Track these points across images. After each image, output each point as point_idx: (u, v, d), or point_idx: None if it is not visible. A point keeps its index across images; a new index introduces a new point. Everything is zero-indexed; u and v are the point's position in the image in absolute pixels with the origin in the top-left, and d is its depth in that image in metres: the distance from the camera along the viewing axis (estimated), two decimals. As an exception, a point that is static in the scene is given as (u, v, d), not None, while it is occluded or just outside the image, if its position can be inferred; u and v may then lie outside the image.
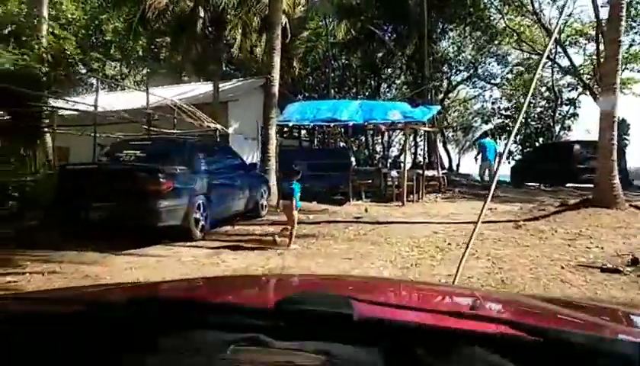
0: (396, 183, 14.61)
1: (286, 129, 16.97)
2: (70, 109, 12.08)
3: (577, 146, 18.34)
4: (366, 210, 10.65)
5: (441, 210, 12.12)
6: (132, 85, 25.44)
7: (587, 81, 22.58)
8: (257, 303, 1.07)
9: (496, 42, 25.06)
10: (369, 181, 14.28)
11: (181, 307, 0.91)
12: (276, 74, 11.98)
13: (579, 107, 28.01)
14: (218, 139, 14.81)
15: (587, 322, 1.18)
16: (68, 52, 27.77)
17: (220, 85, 19.65)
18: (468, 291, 2.25)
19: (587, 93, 22.56)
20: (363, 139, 27.70)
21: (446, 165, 26.65)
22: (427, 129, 14.47)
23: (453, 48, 26.86)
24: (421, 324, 0.79)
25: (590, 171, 12.92)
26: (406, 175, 12.93)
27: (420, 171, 14.39)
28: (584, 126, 29.46)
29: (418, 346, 0.72)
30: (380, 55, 24.36)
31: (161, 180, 7.08)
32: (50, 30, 26.79)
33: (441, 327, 0.77)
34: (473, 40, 26.60)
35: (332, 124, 13.59)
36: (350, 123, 13.24)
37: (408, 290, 1.67)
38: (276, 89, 12.03)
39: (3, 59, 11.58)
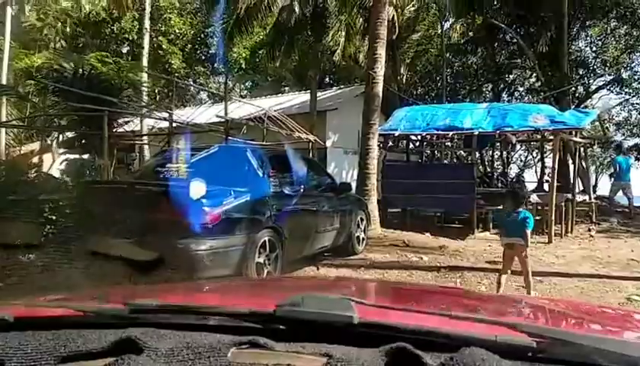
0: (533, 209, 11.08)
1: (391, 141, 14.08)
2: (124, 112, 10.22)
3: None
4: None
5: (609, 251, 8.44)
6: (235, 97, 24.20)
7: None
8: (259, 306, 0.88)
9: (651, 37, 20.06)
10: (500, 207, 10.87)
11: (182, 310, 0.89)
12: (379, 69, 9.21)
13: None
14: (311, 152, 12.38)
15: (588, 323, 1.16)
16: (175, 66, 27.44)
17: (318, 94, 17.37)
18: (469, 293, 2.07)
19: None
20: (477, 154, 23.83)
21: (580, 186, 21.82)
22: (579, 140, 10.78)
23: (592, 47, 22.15)
24: (422, 326, 0.76)
25: None
26: (554, 201, 9.41)
27: (570, 196, 10.70)
28: None
29: (419, 348, 0.68)
30: (502, 57, 20.57)
31: (204, 208, 4.61)
32: (158, 44, 26.60)
33: (442, 329, 0.75)
34: (616, 38, 21.71)
35: (451, 134, 10.47)
36: (476, 132, 10.03)
37: (409, 293, 1.61)
38: (379, 89, 9.25)
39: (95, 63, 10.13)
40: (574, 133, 10.15)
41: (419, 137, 12.22)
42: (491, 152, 23.26)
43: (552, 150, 9.70)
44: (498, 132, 9.98)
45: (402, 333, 0.73)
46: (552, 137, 12.58)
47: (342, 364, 0.67)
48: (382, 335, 0.73)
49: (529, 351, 0.70)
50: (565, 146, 12.89)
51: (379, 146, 11.56)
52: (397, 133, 10.93)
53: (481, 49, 20.33)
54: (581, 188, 16.60)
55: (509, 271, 5.25)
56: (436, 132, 10.58)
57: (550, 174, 20.11)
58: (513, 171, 28.03)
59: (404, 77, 21.87)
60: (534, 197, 10.43)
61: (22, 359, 0.74)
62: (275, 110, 17.03)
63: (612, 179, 13.06)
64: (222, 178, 4.98)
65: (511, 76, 22.82)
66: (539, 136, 14.17)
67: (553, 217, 9.40)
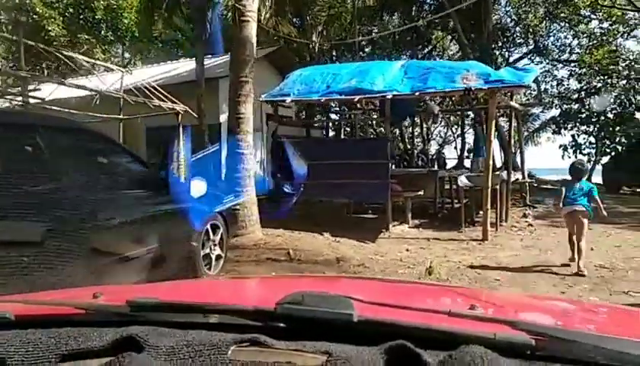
0: (458, 194, 8.62)
1: (282, 108, 11.09)
2: None
3: None
4: (429, 272, 4.76)
5: (563, 251, 6.12)
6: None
7: None
8: (259, 304, 0.84)
9: (571, 4, 18.47)
10: (419, 193, 8.34)
11: (183, 308, 0.85)
12: (251, 1, 6.18)
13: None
14: (180, 126, 9.17)
15: (587, 321, 1.16)
16: (53, 34, 22.65)
17: (211, 61, 14.05)
18: (469, 291, 2.03)
19: None
20: (397, 130, 21.60)
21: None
22: (517, 106, 8.47)
23: (512, 14, 20.41)
24: (421, 324, 0.73)
25: None
26: (490, 183, 6.96)
27: (504, 174, 8.35)
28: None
29: (418, 346, 0.66)
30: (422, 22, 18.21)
31: None
32: (32, 7, 21.74)
33: (441, 327, 0.72)
34: (535, 4, 20.03)
35: (357, 98, 7.74)
36: (389, 96, 7.35)
37: (409, 290, 1.57)
38: (251, 30, 6.24)
39: None
40: (511, 96, 7.76)
41: (321, 105, 9.40)
42: (411, 127, 21.21)
43: (488, 116, 7.19)
44: (418, 93, 7.31)
45: (402, 331, 0.70)
46: (479, 107, 10.36)
47: (342, 362, 0.65)
48: (382, 332, 0.70)
49: (527, 349, 0.67)
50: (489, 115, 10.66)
51: (271, 116, 8.67)
52: (289, 100, 8.02)
53: (398, 13, 17.83)
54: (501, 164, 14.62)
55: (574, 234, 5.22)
56: (338, 96, 7.78)
57: (470, 150, 18.09)
58: (433, 147, 26.29)
59: (317, 45, 18.95)
60: (463, 180, 7.97)
61: (23, 357, 0.72)
62: (156, 81, 13.66)
63: (472, 155, 11.67)
64: None
65: (429, 46, 20.62)
66: (462, 107, 11.97)
67: (489, 205, 6.96)
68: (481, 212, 7.49)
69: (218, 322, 0.79)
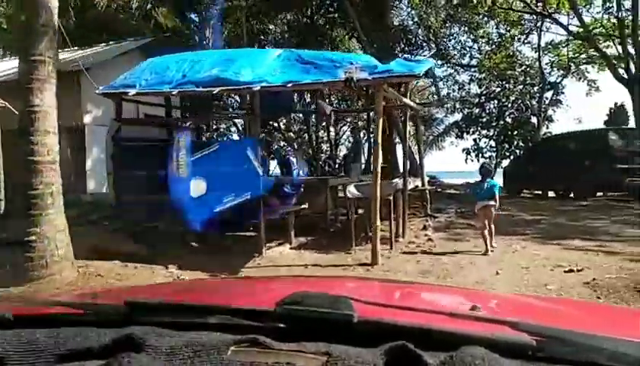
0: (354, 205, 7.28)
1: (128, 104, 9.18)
2: None
3: (613, 136, 11.69)
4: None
5: (465, 274, 4.96)
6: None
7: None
8: (259, 304, 0.83)
9: (470, 6, 18.29)
10: (303, 206, 6.91)
11: (182, 308, 0.85)
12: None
13: (562, 93, 21.98)
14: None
15: (588, 322, 1.14)
16: None
17: (69, 55, 11.73)
18: (468, 292, 1.99)
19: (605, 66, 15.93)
20: (306, 136, 20.38)
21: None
22: (413, 104, 7.33)
23: (413, 14, 19.96)
24: (422, 325, 0.72)
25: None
26: (378, 193, 5.67)
27: (400, 182, 7.17)
28: (569, 115, 23.34)
29: (419, 347, 0.65)
30: (321, 19, 17.10)
31: None
32: None
33: (442, 328, 0.72)
34: (436, 8, 19.72)
35: (216, 90, 6.14)
36: (255, 88, 5.86)
37: (409, 291, 1.54)
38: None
39: None
40: (405, 93, 6.59)
41: (174, 93, 7.66)
42: (315, 131, 19.98)
43: (376, 112, 5.91)
44: (291, 85, 5.90)
45: (402, 331, 0.69)
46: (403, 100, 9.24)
47: (342, 363, 0.63)
48: (382, 333, 0.69)
49: (528, 350, 0.66)
50: (389, 116, 9.55)
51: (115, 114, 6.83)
52: (133, 92, 6.23)
53: (294, 9, 16.55)
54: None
55: (487, 225, 6.03)
56: (195, 88, 6.13)
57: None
58: (342, 153, 25.32)
59: (210, 42, 17.15)
60: (352, 190, 6.64)
61: (22, 357, 0.70)
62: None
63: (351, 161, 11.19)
64: None
65: (331, 46, 19.59)
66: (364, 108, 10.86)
67: (378, 222, 5.66)
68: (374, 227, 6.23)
69: (217, 322, 0.76)
